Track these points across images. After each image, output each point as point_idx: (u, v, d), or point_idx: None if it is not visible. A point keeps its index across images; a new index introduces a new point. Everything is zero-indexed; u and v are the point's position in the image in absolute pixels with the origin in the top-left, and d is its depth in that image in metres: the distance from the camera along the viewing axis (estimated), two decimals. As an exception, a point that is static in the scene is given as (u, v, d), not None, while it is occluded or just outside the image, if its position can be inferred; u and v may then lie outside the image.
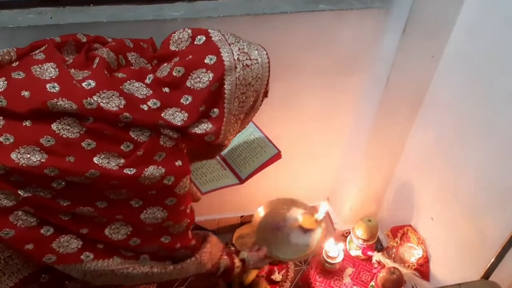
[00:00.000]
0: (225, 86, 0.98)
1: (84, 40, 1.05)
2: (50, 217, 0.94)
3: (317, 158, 1.81)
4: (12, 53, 0.99)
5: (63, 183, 0.90)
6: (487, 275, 1.20)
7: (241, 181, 1.36)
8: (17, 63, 0.97)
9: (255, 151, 1.38)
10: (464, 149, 1.36)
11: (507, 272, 1.20)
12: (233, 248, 1.36)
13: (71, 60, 1.00)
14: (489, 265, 1.18)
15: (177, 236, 1.08)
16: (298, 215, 1.61)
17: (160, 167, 0.95)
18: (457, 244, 1.44)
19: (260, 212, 1.62)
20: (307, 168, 1.84)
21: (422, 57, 1.38)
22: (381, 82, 1.44)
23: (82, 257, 0.98)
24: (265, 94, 1.11)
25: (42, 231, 0.94)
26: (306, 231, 1.57)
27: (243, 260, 1.34)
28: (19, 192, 0.89)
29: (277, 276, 1.76)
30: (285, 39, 1.36)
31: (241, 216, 1.94)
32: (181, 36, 1.03)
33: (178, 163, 0.99)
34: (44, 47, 1.00)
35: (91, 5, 1.18)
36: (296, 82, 1.49)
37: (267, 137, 1.38)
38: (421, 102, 1.51)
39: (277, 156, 1.36)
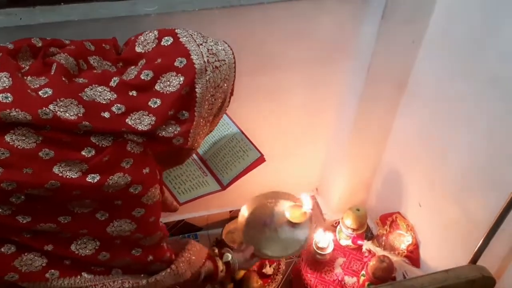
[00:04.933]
0: (196, 89, 0.95)
1: (40, 44, 1.00)
2: (11, 235, 0.90)
3: (303, 149, 1.80)
4: None
5: (22, 197, 0.86)
6: (475, 259, 1.19)
7: (223, 187, 1.33)
8: None
9: (238, 155, 1.34)
10: (448, 134, 1.35)
11: (494, 256, 1.20)
12: (216, 251, 1.31)
13: (27, 67, 0.95)
14: (476, 249, 1.18)
15: (149, 248, 1.04)
16: (285, 209, 1.55)
17: (126, 174, 0.91)
18: (446, 229, 1.44)
19: (245, 210, 1.57)
20: (294, 160, 1.83)
21: (403, 42, 1.37)
22: (362, 70, 1.43)
23: (47, 275, 0.94)
24: (231, 93, 1.09)
25: (2, 249, 0.90)
26: (294, 225, 1.51)
27: (227, 263, 1.30)
28: None
29: (268, 270, 1.76)
30: (264, 30, 1.34)
31: (230, 211, 1.93)
32: (147, 38, 0.99)
33: (146, 170, 0.95)
34: None
35: (62, 3, 1.15)
36: (277, 73, 1.47)
37: (250, 141, 1.35)
38: (404, 88, 1.50)
39: (260, 159, 1.32)
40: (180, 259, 1.12)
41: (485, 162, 1.22)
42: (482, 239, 1.15)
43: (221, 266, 1.27)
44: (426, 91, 1.42)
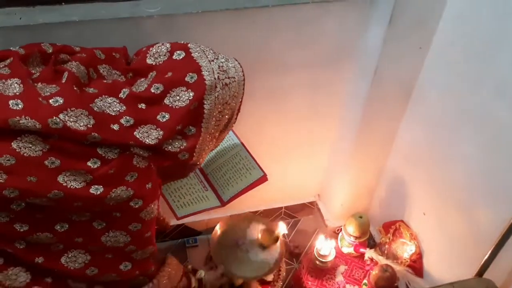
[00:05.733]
0: (205, 105, 0.95)
1: (50, 50, 0.99)
2: (4, 245, 0.89)
3: (307, 154, 1.77)
4: None
5: (22, 204, 0.85)
6: (481, 272, 1.17)
7: (223, 203, 1.32)
8: None
9: (240, 173, 1.33)
10: (455, 142, 1.33)
11: (501, 268, 1.17)
12: (190, 267, 1.32)
13: (38, 74, 0.94)
14: (483, 262, 1.15)
15: (139, 263, 1.03)
16: (258, 231, 1.57)
17: (129, 188, 0.90)
18: (450, 239, 1.41)
19: (219, 228, 1.58)
20: (297, 165, 1.80)
21: (410, 48, 1.34)
22: (368, 75, 1.41)
23: None
24: (238, 110, 1.09)
25: None
26: (265, 248, 1.54)
27: (200, 280, 1.30)
28: None
29: (268, 276, 1.73)
30: (267, 33, 1.32)
31: (230, 216, 1.90)
32: (159, 50, 0.98)
33: (149, 185, 0.94)
34: (9, 60, 0.93)
35: (63, 3, 1.12)
36: (281, 78, 1.45)
37: (253, 159, 1.34)
38: (410, 94, 1.47)
39: (263, 179, 1.32)
40: (161, 273, 1.12)
41: (493, 172, 1.20)
42: (490, 252, 1.13)
43: (194, 282, 1.27)
44: (432, 98, 1.39)
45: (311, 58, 1.42)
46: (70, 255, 0.95)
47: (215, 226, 1.92)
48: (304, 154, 1.77)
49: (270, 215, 1.97)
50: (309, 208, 2.01)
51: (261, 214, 1.94)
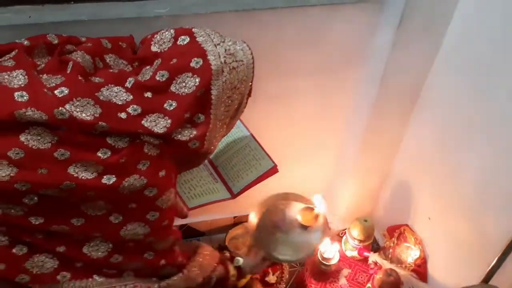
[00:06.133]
0: (212, 91, 0.92)
1: (56, 41, 0.98)
2: (23, 236, 0.89)
3: (312, 156, 1.77)
4: None
5: (35, 198, 0.84)
6: (487, 278, 1.16)
7: (233, 195, 1.30)
8: None
9: (250, 164, 1.31)
10: (462, 147, 1.32)
11: (508, 275, 1.16)
12: (227, 254, 1.29)
13: (43, 65, 0.93)
14: (489, 268, 1.15)
15: (162, 253, 1.03)
16: (297, 212, 1.49)
17: (142, 177, 0.89)
18: (456, 245, 1.40)
19: (255, 213, 1.51)
20: (301, 167, 1.79)
21: (419, 52, 1.34)
22: (375, 79, 1.40)
23: (58, 277, 0.94)
24: (249, 94, 1.06)
25: (14, 250, 0.89)
26: (306, 228, 1.46)
27: (238, 267, 1.28)
28: None
29: (271, 278, 1.73)
30: (276, 35, 1.31)
31: (234, 217, 1.90)
32: (163, 37, 0.96)
33: (162, 173, 0.93)
34: (14, 52, 0.93)
35: (72, 2, 1.12)
36: (288, 79, 1.45)
37: (263, 149, 1.31)
38: (417, 99, 1.47)
39: (273, 170, 1.29)
40: (192, 263, 1.12)
41: (500, 179, 1.19)
42: (496, 258, 1.12)
43: (232, 270, 1.26)
44: (440, 103, 1.39)
45: (318, 61, 1.42)
46: (92, 244, 0.95)
47: (218, 227, 1.93)
48: (309, 156, 1.76)
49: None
50: (313, 210, 2.00)
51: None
